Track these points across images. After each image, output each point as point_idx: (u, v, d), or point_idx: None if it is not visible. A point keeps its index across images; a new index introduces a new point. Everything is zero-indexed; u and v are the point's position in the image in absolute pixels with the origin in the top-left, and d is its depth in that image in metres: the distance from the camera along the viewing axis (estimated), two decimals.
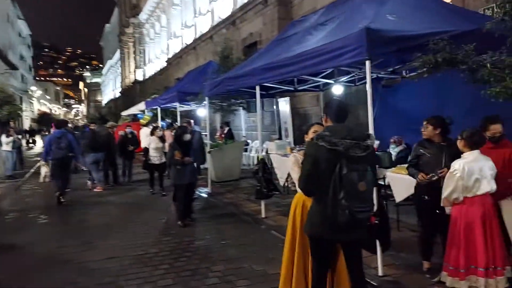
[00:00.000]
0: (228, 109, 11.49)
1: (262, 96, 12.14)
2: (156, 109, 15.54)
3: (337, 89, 7.38)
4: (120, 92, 54.46)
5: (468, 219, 3.53)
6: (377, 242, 3.48)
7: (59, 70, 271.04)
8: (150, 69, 37.23)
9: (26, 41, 61.41)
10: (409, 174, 4.20)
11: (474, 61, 3.46)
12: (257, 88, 6.75)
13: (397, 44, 4.06)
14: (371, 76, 4.21)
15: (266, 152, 9.51)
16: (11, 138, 13.11)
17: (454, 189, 3.52)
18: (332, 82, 7.12)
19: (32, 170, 15.11)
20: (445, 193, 3.59)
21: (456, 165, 3.54)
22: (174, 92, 12.30)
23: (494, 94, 3.26)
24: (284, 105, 12.09)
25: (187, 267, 4.67)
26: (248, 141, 13.79)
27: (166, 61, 28.52)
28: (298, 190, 3.29)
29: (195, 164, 6.90)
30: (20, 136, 14.62)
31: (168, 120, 17.17)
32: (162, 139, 9.07)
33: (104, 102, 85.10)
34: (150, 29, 36.57)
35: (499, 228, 3.59)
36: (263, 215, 6.71)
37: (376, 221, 3.25)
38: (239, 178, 10.75)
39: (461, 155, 3.63)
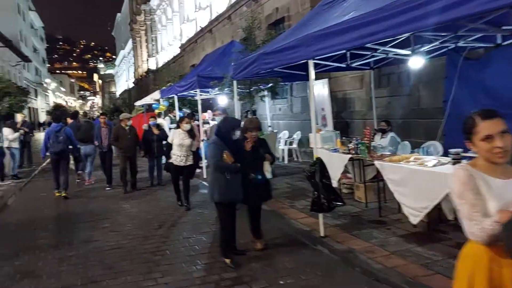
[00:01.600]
0: (255, 95, 9.83)
1: (292, 78, 10.61)
2: (173, 97, 14.00)
3: (415, 63, 5.60)
4: (133, 83, 53.25)
5: None
6: None
7: (73, 63, 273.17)
8: (163, 57, 35.71)
9: (39, 33, 60.54)
10: None
11: None
12: (311, 64, 5.06)
13: None
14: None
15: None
16: (17, 134, 11.75)
17: None
18: (408, 53, 5.33)
19: (39, 168, 13.79)
20: None
21: None
22: (193, 77, 10.68)
23: None
24: (320, 88, 10.37)
25: None
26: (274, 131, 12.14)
27: (180, 48, 26.91)
28: (472, 237, 1.64)
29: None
30: (26, 130, 13.10)
31: (186, 110, 15.65)
32: (190, 133, 6.84)
33: (118, 93, 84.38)
34: (162, 15, 34.93)
35: None
36: (321, 233, 5.09)
37: None
38: (273, 176, 9.12)
39: None
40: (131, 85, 57.63)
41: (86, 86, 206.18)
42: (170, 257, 4.68)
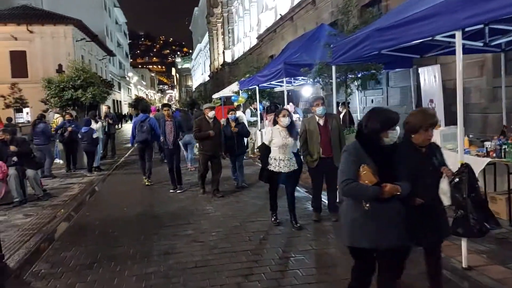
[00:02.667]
0: (350, 85, 8.54)
1: (393, 64, 9.12)
2: (254, 89, 13.18)
3: None
4: (209, 76, 54.03)
5: None
6: None
7: (153, 58, 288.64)
8: (239, 50, 35.36)
9: (122, 28, 63.98)
10: None
11: None
12: (458, 35, 3.75)
13: None
14: None
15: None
16: (99, 124, 11.70)
17: None
18: None
19: (122, 160, 13.81)
20: None
21: None
22: (278, 65, 9.68)
23: None
24: (430, 76, 8.78)
25: None
26: None
27: (257, 38, 26.15)
28: None
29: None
30: (110, 121, 13.13)
31: (266, 103, 14.76)
32: (290, 130, 5.30)
33: (194, 86, 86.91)
34: (239, 6, 34.49)
35: None
36: (463, 263, 3.80)
37: None
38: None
39: None
40: (207, 78, 58.64)
41: (165, 80, 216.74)
42: (268, 286, 3.70)
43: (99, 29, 39.69)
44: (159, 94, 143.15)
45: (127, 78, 64.31)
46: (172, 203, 7.17)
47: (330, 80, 8.23)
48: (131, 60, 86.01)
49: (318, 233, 5.09)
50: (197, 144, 8.44)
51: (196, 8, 70.75)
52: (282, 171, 5.22)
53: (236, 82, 16.30)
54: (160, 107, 12.42)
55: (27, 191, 7.91)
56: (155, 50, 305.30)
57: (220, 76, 43.76)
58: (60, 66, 21.43)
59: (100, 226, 5.92)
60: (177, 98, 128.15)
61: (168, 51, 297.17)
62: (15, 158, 7.76)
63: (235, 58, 37.07)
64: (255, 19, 28.70)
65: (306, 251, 4.50)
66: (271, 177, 5.28)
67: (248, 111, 13.40)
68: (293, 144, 5.33)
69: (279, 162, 5.24)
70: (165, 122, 8.09)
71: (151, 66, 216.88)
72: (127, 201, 7.54)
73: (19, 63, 28.08)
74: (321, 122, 5.57)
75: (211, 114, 7.39)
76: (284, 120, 5.25)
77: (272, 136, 5.25)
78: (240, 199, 7.19)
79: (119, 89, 53.84)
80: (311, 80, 8.68)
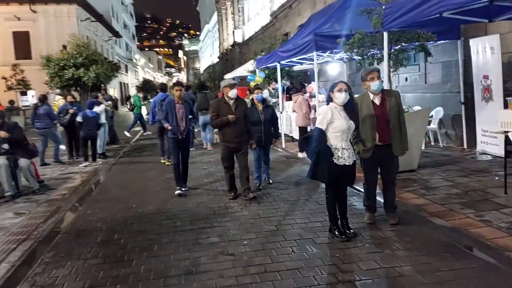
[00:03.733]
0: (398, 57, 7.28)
1: (442, 35, 7.84)
2: (272, 67, 11.94)
3: None
4: (218, 57, 52.50)
5: None
6: None
7: (160, 41, 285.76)
8: (250, 29, 33.80)
9: (129, 9, 62.32)
10: None
11: None
12: None
13: None
14: None
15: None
16: (102, 107, 10.60)
17: None
18: None
19: (129, 145, 12.75)
20: None
21: None
22: (307, 36, 8.42)
23: None
24: (485, 48, 7.49)
25: None
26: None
27: (271, 15, 24.64)
28: None
29: None
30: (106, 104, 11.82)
31: (286, 82, 13.53)
32: (349, 110, 4.02)
33: (202, 69, 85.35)
34: None
35: None
36: None
37: None
38: (418, 167, 6.70)
39: None
40: (216, 60, 57.09)
41: (172, 63, 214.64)
42: None
43: (104, 9, 38.26)
44: (167, 77, 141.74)
45: (134, 61, 62.97)
46: (189, 198, 6.07)
47: (372, 52, 7.01)
48: (138, 43, 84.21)
49: (380, 243, 3.96)
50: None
51: None
52: (346, 163, 3.98)
53: (252, 60, 15.04)
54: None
55: (20, 183, 6.89)
56: (161, 32, 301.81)
57: (230, 57, 42.29)
58: (64, 47, 20.25)
59: (104, 230, 4.84)
60: (184, 80, 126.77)
61: (175, 33, 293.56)
62: (5, 146, 6.71)
63: (245, 38, 35.54)
64: None
65: (373, 270, 3.38)
66: (334, 174, 3.93)
67: (266, 91, 12.15)
68: (354, 127, 4.05)
69: (342, 152, 3.96)
70: (174, 105, 6.23)
71: (158, 49, 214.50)
72: (135, 195, 6.46)
73: (22, 44, 26.99)
74: (377, 100, 4.36)
75: (232, 93, 5.65)
76: (340, 96, 3.93)
77: (332, 118, 3.91)
78: (268, 194, 6.06)
79: (126, 71, 52.62)
80: (347, 53, 7.42)
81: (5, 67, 21.43)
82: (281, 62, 10.60)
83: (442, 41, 8.35)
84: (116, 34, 42.04)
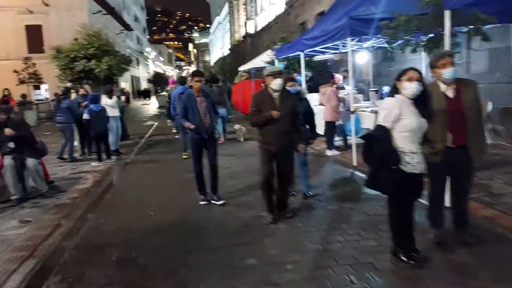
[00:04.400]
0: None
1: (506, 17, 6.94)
2: (296, 55, 11.13)
3: None
4: (229, 49, 51.65)
5: None
6: None
7: (170, 34, 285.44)
8: (263, 20, 32.88)
9: (139, 1, 61.68)
10: None
11: None
12: None
13: None
14: None
15: None
16: (114, 100, 9.94)
17: None
18: None
19: (143, 141, 12.10)
20: None
21: None
22: (338, 21, 7.61)
23: None
24: None
25: None
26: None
27: (286, 4, 23.74)
28: None
29: None
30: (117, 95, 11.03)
31: (308, 73, 12.73)
32: (422, 104, 3.22)
33: (212, 61, 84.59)
34: None
35: None
36: None
37: None
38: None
39: None
40: (226, 52, 56.25)
41: (182, 56, 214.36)
42: None
43: (115, 2, 37.68)
44: (177, 70, 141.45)
45: (145, 54, 62.46)
46: (213, 205, 5.36)
47: (414, 38, 6.19)
48: (148, 36, 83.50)
49: (459, 271, 3.20)
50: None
51: None
52: (415, 171, 3.19)
53: (269, 51, 14.24)
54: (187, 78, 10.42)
55: (28, 185, 6.26)
56: (171, 26, 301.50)
57: (242, 48, 41.45)
58: (76, 40, 19.67)
59: (119, 245, 4.16)
60: None
61: (184, 27, 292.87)
62: (11, 144, 6.07)
63: (258, 29, 34.63)
64: None
65: None
66: (402, 184, 3.17)
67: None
68: (426, 127, 3.27)
69: (411, 157, 3.16)
70: (195, 99, 5.32)
71: (168, 43, 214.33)
72: (154, 200, 5.78)
73: (35, 37, 26.61)
74: (450, 92, 3.56)
75: (276, 84, 4.42)
76: (410, 87, 3.12)
77: (400, 114, 3.13)
78: (303, 201, 5.31)
79: (137, 64, 52.12)
80: (388, 39, 6.60)
81: (18, 61, 21.07)
82: (305, 51, 9.82)
83: (489, 26, 7.47)
84: (128, 27, 41.43)
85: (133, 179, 7.45)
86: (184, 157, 8.70)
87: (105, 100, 9.54)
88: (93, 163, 8.67)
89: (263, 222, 4.56)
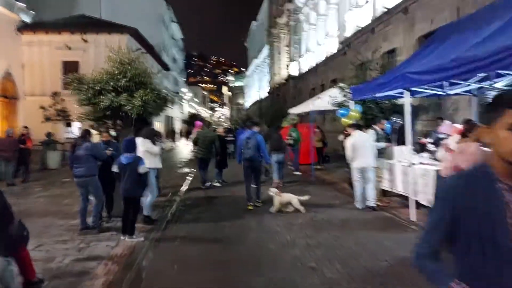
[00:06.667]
0: None
1: None
2: (375, 98, 8.41)
3: None
4: (268, 92, 50.00)
5: None
6: None
7: (205, 77, 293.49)
8: (307, 62, 30.86)
9: (178, 44, 62.01)
10: None
11: None
12: None
13: None
14: None
15: None
16: (158, 147, 7.44)
17: None
18: None
19: (178, 199, 9.38)
20: None
21: None
22: (488, 43, 4.84)
23: None
24: None
25: None
26: None
27: (342, 43, 21.46)
28: None
29: None
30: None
31: (396, 119, 9.93)
32: None
33: (246, 104, 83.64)
34: (311, 12, 30.13)
35: None
36: None
37: None
38: None
39: None
40: (263, 95, 54.71)
41: (215, 98, 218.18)
42: None
43: (155, 42, 37.02)
44: (210, 112, 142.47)
45: (181, 94, 61.93)
46: None
47: None
48: (184, 79, 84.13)
49: None
50: None
51: (253, 23, 67.83)
52: None
53: (337, 89, 11.59)
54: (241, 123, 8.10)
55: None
56: (206, 69, 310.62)
57: (282, 91, 39.49)
58: (103, 69, 17.90)
59: None
60: (227, 116, 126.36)
61: (219, 70, 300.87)
62: None
63: (302, 71, 32.54)
64: (334, 23, 24.11)
65: None
66: None
67: (371, 132, 8.60)
68: None
69: None
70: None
71: (203, 85, 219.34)
72: None
73: (71, 73, 25.42)
74: None
75: None
76: None
77: None
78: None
79: (172, 104, 51.09)
80: None
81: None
82: (411, 88, 7.09)
83: None
84: (166, 67, 40.57)
85: (168, 279, 4.64)
86: (249, 207, 8.02)
87: (146, 147, 7.03)
88: (126, 238, 5.96)
89: None
